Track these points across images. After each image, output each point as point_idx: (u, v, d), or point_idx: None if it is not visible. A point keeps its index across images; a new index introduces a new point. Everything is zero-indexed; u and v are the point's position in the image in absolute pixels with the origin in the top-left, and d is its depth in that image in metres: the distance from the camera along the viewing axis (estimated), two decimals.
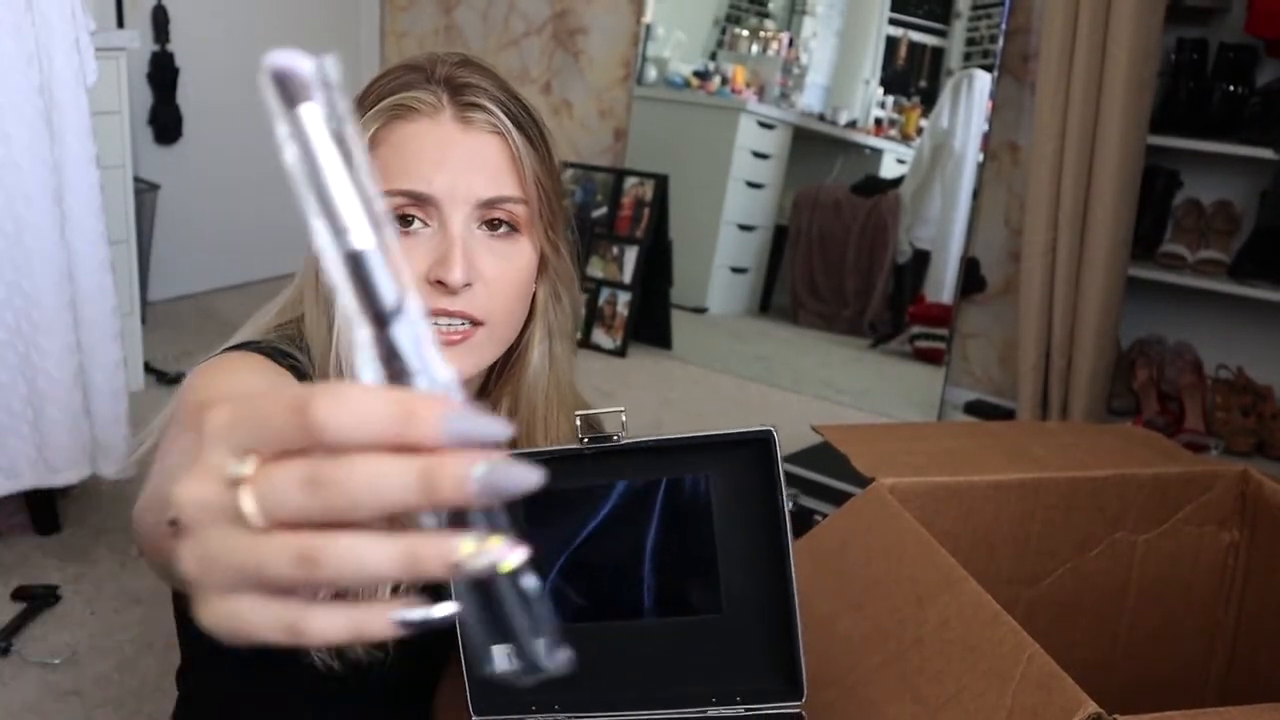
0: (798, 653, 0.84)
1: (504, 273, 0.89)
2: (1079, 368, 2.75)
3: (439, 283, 0.85)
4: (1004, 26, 2.94)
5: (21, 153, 1.90)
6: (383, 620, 0.37)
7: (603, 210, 3.54)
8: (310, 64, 0.37)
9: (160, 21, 3.44)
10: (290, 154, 0.39)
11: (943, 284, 3.13)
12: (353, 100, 0.90)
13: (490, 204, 0.87)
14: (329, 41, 4.00)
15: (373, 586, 0.38)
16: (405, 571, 0.35)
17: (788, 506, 0.85)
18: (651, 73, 3.59)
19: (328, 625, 0.36)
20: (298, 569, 0.35)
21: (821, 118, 3.38)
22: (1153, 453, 1.22)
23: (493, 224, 0.88)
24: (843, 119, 3.35)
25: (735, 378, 3.34)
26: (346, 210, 0.38)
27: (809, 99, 3.40)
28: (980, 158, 3.00)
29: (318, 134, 0.38)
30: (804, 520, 2.39)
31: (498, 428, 0.36)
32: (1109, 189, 2.61)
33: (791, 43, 3.40)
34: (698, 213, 3.53)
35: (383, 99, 0.87)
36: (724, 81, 3.51)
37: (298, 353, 0.90)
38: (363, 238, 0.37)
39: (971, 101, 3.07)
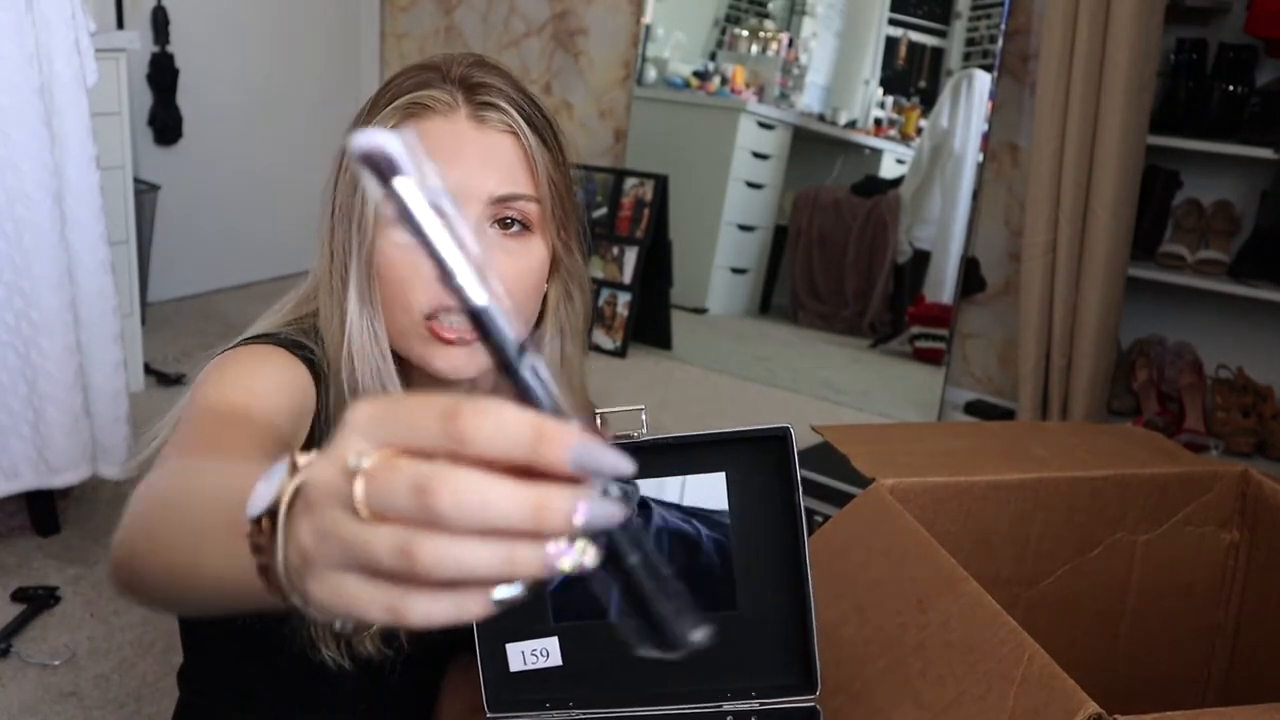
0: (812, 648, 0.85)
1: (515, 271, 0.89)
2: (1079, 368, 2.75)
3: None
4: (1004, 27, 2.94)
5: (21, 154, 1.90)
6: (483, 602, 0.39)
7: (603, 210, 3.54)
8: (395, 140, 0.40)
9: (160, 22, 3.44)
10: (396, 226, 0.42)
11: (943, 284, 3.13)
12: (369, 100, 0.92)
13: (503, 201, 0.88)
14: (329, 42, 4.00)
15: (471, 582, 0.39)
16: (503, 573, 0.38)
17: (802, 503, 0.86)
18: (651, 73, 3.59)
19: (430, 609, 0.39)
20: (398, 560, 0.37)
21: (821, 118, 3.38)
22: (1153, 453, 1.22)
23: (505, 222, 0.89)
24: (842, 119, 3.35)
25: (735, 378, 3.34)
26: (460, 272, 0.40)
27: (809, 99, 3.40)
28: (980, 158, 3.00)
29: (417, 205, 0.40)
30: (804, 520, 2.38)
31: (622, 462, 0.39)
32: (1109, 189, 2.61)
33: (791, 43, 3.40)
34: (698, 213, 3.53)
35: (398, 97, 0.88)
36: (724, 82, 3.51)
37: (313, 344, 0.91)
38: (478, 294, 0.40)
39: (971, 102, 3.07)
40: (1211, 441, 2.74)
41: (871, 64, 3.28)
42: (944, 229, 3.13)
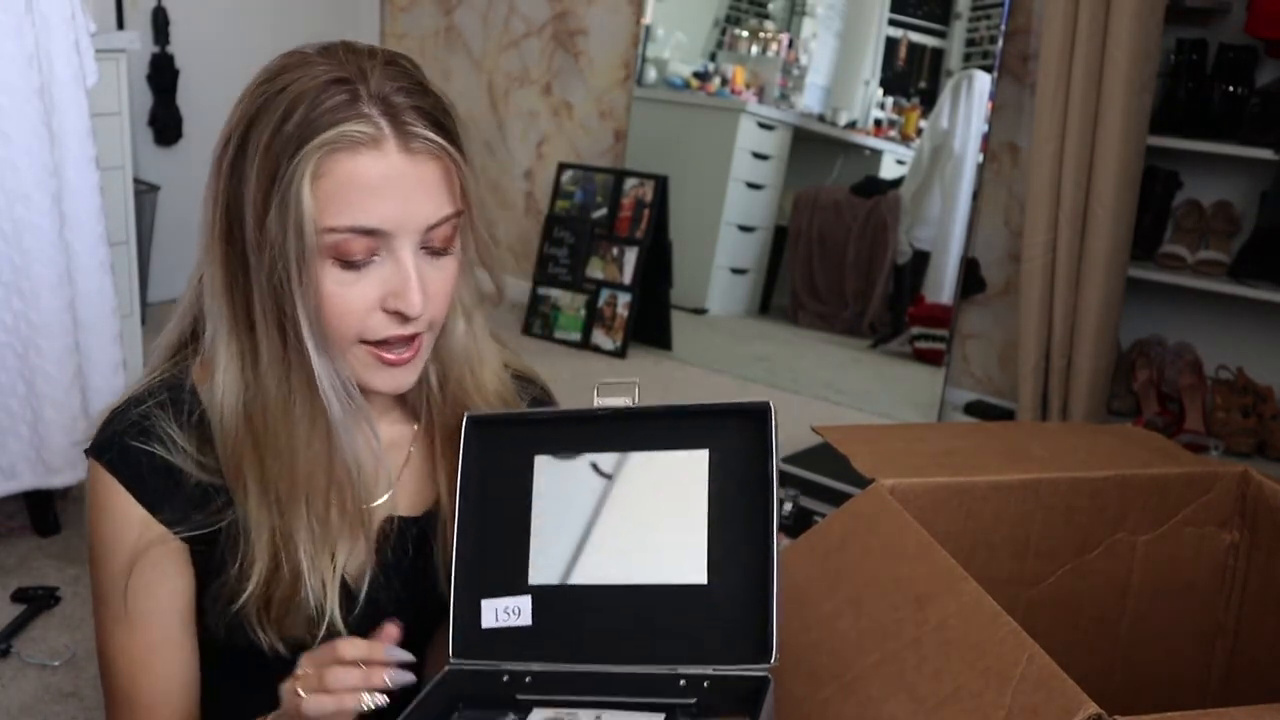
0: (772, 619, 0.86)
1: (443, 285, 0.92)
2: (1079, 368, 2.75)
3: (396, 312, 0.88)
4: (1004, 27, 2.94)
5: (21, 154, 1.90)
6: (354, 706, 0.85)
7: (603, 211, 3.54)
8: None
9: (160, 23, 3.44)
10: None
11: (943, 285, 3.13)
12: (255, 108, 0.87)
13: (433, 227, 0.88)
14: None
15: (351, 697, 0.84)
16: (361, 688, 0.84)
17: (775, 478, 0.89)
18: (651, 74, 3.59)
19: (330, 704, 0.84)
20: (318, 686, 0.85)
21: (821, 119, 3.38)
22: (1153, 453, 1.22)
23: (433, 250, 0.90)
24: (842, 120, 3.35)
25: (735, 378, 3.34)
26: None
27: (809, 100, 3.40)
28: (980, 158, 3.00)
29: None
30: (804, 520, 2.39)
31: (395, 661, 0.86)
32: (1109, 189, 2.61)
33: (791, 44, 3.40)
34: (698, 214, 3.53)
35: (317, 130, 0.84)
36: (724, 82, 3.51)
37: (163, 423, 0.93)
38: None
39: (971, 102, 3.07)
40: (1211, 442, 2.74)
41: (871, 64, 3.28)
42: (944, 229, 3.13)
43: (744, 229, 3.52)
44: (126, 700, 0.99)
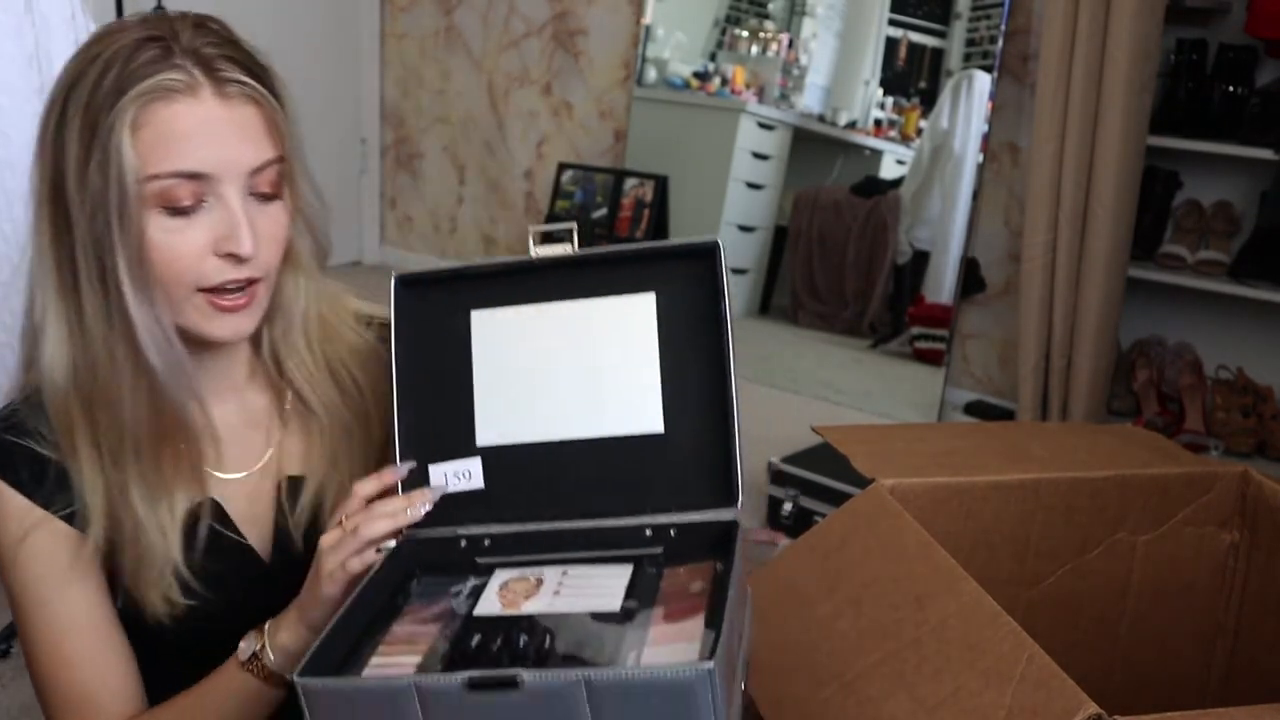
0: (734, 463, 0.85)
1: (274, 232, 0.93)
2: (1079, 368, 2.75)
3: (229, 255, 0.90)
4: (1004, 27, 2.94)
5: (21, 154, 1.90)
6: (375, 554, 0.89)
7: (603, 211, 3.54)
8: None
9: None
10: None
11: (942, 285, 3.13)
12: (74, 74, 0.89)
13: (257, 171, 0.90)
14: (329, 43, 4.00)
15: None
16: (389, 532, 0.89)
17: (730, 318, 0.86)
18: (651, 74, 3.59)
19: (366, 555, 0.88)
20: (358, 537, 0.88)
21: (821, 119, 3.38)
22: (1153, 453, 1.22)
23: (260, 195, 0.92)
24: (842, 120, 3.35)
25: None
26: None
27: (809, 100, 3.40)
28: (980, 158, 3.00)
29: None
30: (804, 520, 2.39)
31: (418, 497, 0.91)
32: (1109, 189, 2.61)
33: (791, 44, 3.40)
34: (698, 214, 3.53)
35: (132, 81, 0.87)
36: (724, 82, 3.51)
37: (31, 419, 0.95)
38: None
39: (971, 102, 3.07)
40: (1211, 442, 2.74)
41: (871, 64, 3.28)
42: (944, 229, 3.13)
43: (744, 229, 3.52)
44: (53, 694, 1.02)
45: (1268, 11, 2.57)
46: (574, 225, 0.90)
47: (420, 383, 0.92)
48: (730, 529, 0.84)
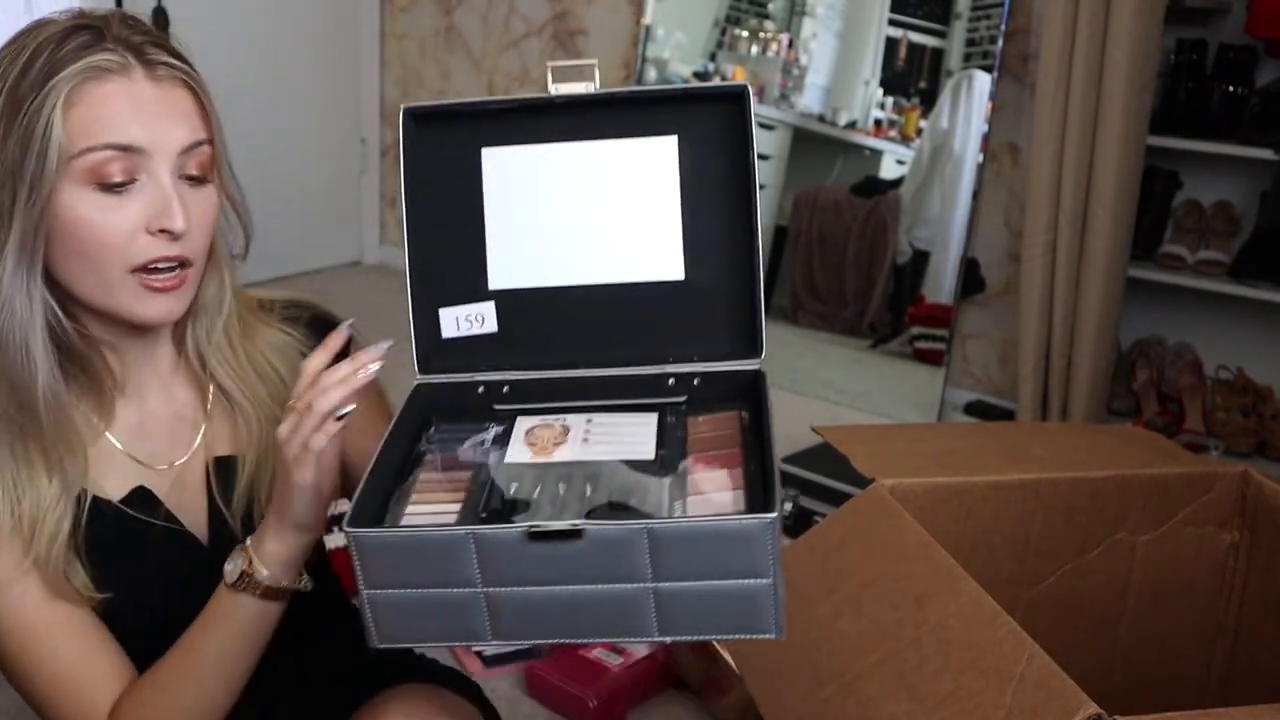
0: (758, 313, 0.84)
1: (204, 215, 0.95)
2: (1079, 368, 2.75)
3: (162, 231, 0.91)
4: (1004, 27, 2.94)
5: None
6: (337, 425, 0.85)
7: None
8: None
9: (161, 23, 3.44)
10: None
11: (942, 284, 3.13)
12: (14, 70, 0.89)
13: (188, 151, 0.93)
14: (329, 43, 4.00)
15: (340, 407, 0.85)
16: (344, 402, 0.85)
17: (755, 166, 0.85)
18: (651, 74, 3.59)
19: (328, 428, 0.85)
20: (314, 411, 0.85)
21: (821, 119, 3.38)
22: (1153, 453, 1.22)
23: (191, 178, 0.94)
24: (842, 120, 3.34)
25: None
26: None
27: (809, 100, 3.40)
28: (980, 158, 3.00)
29: None
30: (804, 520, 2.39)
31: (367, 357, 0.85)
32: (1109, 189, 2.61)
33: (791, 44, 3.40)
34: None
35: (64, 64, 0.89)
36: (724, 82, 3.51)
37: None
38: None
39: (971, 102, 3.07)
40: (1211, 442, 2.74)
41: (871, 64, 3.28)
42: (944, 229, 3.12)
43: None
44: (31, 690, 0.98)
45: (1268, 11, 2.57)
46: (595, 61, 0.86)
47: (430, 223, 0.89)
48: (756, 378, 0.83)
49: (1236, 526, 1.17)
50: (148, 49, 0.93)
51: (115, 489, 1.00)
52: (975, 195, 3.02)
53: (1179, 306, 2.88)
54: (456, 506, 0.77)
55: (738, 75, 3.48)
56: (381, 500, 0.79)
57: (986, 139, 2.99)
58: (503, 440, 0.84)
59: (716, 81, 3.48)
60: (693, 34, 3.55)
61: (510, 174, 0.87)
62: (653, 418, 0.84)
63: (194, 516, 1.04)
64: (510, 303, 0.88)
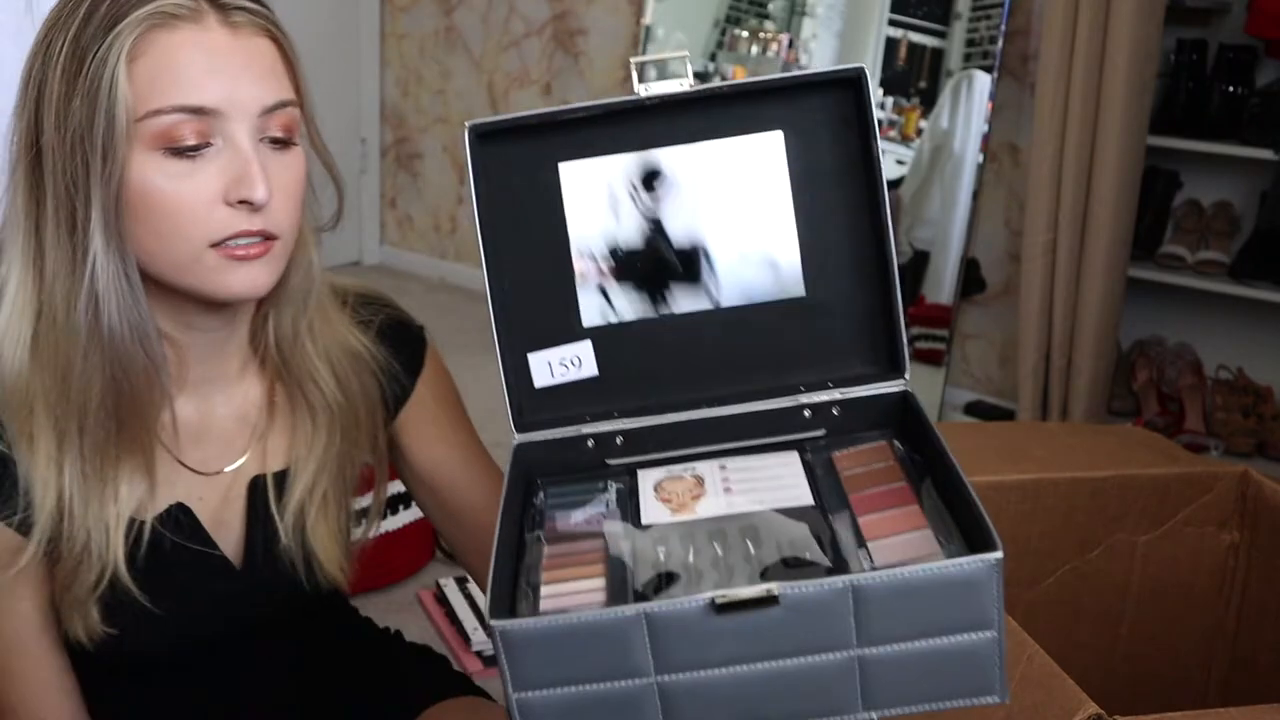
0: (898, 325, 0.73)
1: (290, 184, 0.84)
2: (1079, 368, 2.75)
3: (242, 202, 0.80)
4: (1004, 28, 2.94)
5: None
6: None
7: None
8: None
9: None
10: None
11: (942, 285, 3.13)
12: (76, 17, 0.81)
13: (270, 111, 0.81)
14: (329, 43, 4.00)
15: None
16: None
17: (880, 161, 0.73)
18: (651, 74, 3.59)
19: None
20: None
21: None
22: (1153, 453, 1.22)
23: (275, 140, 0.83)
24: None
25: None
26: None
27: None
28: (980, 159, 3.00)
29: None
30: None
31: None
32: (1109, 189, 2.61)
33: (791, 44, 3.40)
34: None
35: (128, 9, 0.78)
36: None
37: None
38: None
39: (971, 102, 3.07)
40: (1211, 442, 2.74)
41: (871, 64, 3.28)
42: (944, 230, 3.12)
43: None
44: None
45: (1268, 11, 2.57)
46: (686, 54, 0.76)
47: (508, 256, 0.77)
48: (904, 400, 0.73)
49: (1236, 526, 1.17)
50: None
51: (155, 502, 0.88)
52: (975, 195, 3.02)
53: (1179, 306, 2.88)
54: (599, 582, 0.66)
55: (738, 75, 3.48)
56: (512, 584, 0.67)
57: (986, 139, 2.99)
58: (628, 499, 0.73)
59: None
60: (693, 34, 3.55)
61: (594, 190, 0.77)
62: (794, 456, 0.74)
63: (231, 534, 0.93)
64: (609, 340, 0.77)
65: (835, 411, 0.75)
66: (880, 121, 3.28)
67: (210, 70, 0.78)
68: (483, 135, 0.76)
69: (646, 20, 3.55)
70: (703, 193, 0.76)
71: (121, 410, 0.82)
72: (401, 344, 0.99)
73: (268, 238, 0.82)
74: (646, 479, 0.74)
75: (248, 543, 0.93)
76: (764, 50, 3.45)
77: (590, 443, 0.76)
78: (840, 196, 0.75)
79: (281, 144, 0.83)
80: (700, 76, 3.53)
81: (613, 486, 0.75)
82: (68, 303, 0.80)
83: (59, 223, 0.79)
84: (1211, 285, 2.72)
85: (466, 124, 0.77)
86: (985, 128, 2.99)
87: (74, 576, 0.84)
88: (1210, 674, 1.22)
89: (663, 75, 0.76)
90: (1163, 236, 2.88)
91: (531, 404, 0.77)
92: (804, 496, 0.70)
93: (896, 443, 0.74)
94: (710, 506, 0.70)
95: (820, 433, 0.75)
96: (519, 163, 0.77)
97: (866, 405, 0.75)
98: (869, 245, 0.75)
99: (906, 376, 0.74)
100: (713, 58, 3.54)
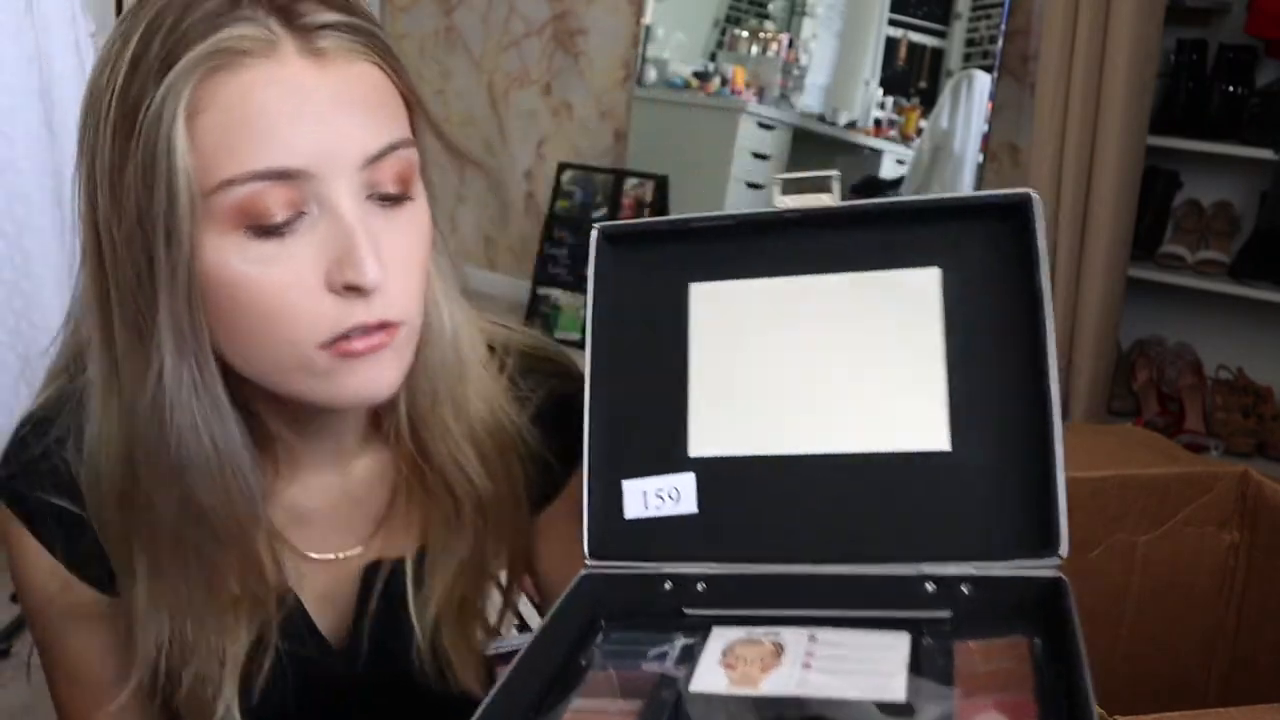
0: (1056, 496, 0.63)
1: (408, 251, 0.66)
2: (1079, 368, 2.75)
3: (349, 288, 0.63)
4: (1004, 27, 2.94)
5: (21, 155, 1.90)
6: None
7: (603, 211, 3.54)
8: None
9: None
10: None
11: None
12: (125, 58, 0.62)
13: (376, 160, 0.64)
14: None
15: None
16: None
17: (1049, 303, 0.64)
18: (651, 74, 3.59)
19: None
20: None
21: (821, 119, 3.38)
22: (1153, 453, 1.22)
23: (385, 197, 0.65)
24: (842, 120, 3.35)
25: None
26: None
27: (809, 100, 3.40)
28: (980, 159, 3.00)
29: None
30: None
31: None
32: (1109, 189, 2.61)
33: (791, 44, 3.40)
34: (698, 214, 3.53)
35: (184, 46, 0.60)
36: (724, 82, 3.51)
37: (66, 464, 0.73)
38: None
39: (971, 102, 3.07)
40: (1211, 442, 2.74)
41: (871, 64, 3.28)
42: None
43: None
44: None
45: (1268, 11, 2.57)
46: (837, 172, 0.67)
47: (619, 371, 0.69)
48: (1056, 588, 0.62)
49: (1236, 526, 1.17)
50: (301, 7, 0.62)
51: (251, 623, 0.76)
52: None
53: (1179, 306, 2.88)
54: None
55: (738, 75, 3.48)
56: None
57: (986, 139, 2.99)
58: (690, 657, 0.62)
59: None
60: (693, 34, 3.55)
61: (724, 314, 0.70)
62: (904, 638, 0.61)
63: (336, 621, 0.80)
64: (716, 475, 0.68)
65: (965, 589, 0.63)
66: (880, 121, 3.28)
67: (293, 118, 0.61)
68: (612, 238, 0.71)
69: (646, 20, 3.55)
70: (844, 328, 0.68)
71: (217, 541, 0.70)
72: (561, 428, 0.80)
73: (385, 326, 0.65)
74: (719, 638, 0.63)
75: (353, 629, 0.80)
76: (764, 50, 3.45)
77: (667, 585, 0.66)
78: (997, 340, 0.66)
79: (394, 201, 0.65)
80: (700, 76, 3.53)
81: (679, 640, 0.63)
82: (146, 420, 0.66)
83: (125, 325, 0.65)
84: (1211, 285, 2.72)
85: (595, 225, 0.70)
86: (985, 128, 2.99)
87: (187, 707, 0.75)
88: (1210, 674, 1.22)
89: (805, 189, 0.68)
90: (1163, 236, 2.88)
91: (614, 534, 0.68)
92: (896, 689, 0.56)
93: (1037, 641, 0.60)
94: (777, 683, 0.58)
95: (945, 614, 0.63)
96: (645, 275, 0.71)
97: (1005, 587, 0.63)
98: (1025, 397, 0.66)
99: (1062, 554, 0.63)
100: (713, 57, 3.54)
